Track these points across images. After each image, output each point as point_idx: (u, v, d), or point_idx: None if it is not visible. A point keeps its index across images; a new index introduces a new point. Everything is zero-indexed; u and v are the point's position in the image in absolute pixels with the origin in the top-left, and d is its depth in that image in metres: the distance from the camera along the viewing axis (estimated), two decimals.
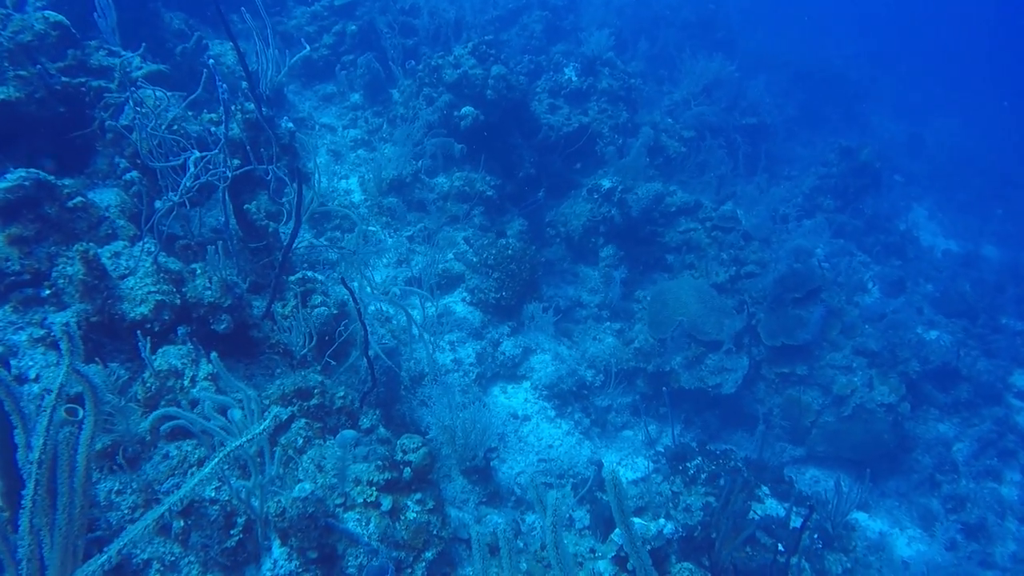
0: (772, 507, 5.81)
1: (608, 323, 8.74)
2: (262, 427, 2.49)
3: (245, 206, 4.92)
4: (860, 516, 7.70)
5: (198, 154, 3.74)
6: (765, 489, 5.95)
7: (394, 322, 6.67)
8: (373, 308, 6.96)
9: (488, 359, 7.17)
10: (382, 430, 4.92)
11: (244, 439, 2.53)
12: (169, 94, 4.71)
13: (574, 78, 10.72)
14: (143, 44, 5.29)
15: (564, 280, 9.15)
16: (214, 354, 3.41)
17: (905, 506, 8.28)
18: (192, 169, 3.62)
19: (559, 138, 9.80)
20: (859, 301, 10.39)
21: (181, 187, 3.69)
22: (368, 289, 5.36)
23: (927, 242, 14.92)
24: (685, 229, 9.73)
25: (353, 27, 9.93)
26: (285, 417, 4.24)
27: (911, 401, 8.56)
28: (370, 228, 7.66)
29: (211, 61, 4.24)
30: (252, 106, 5.06)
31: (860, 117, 19.98)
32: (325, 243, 7.41)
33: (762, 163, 12.80)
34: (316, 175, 5.50)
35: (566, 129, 9.97)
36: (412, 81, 9.15)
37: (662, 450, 7.06)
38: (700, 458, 6.19)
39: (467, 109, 8.61)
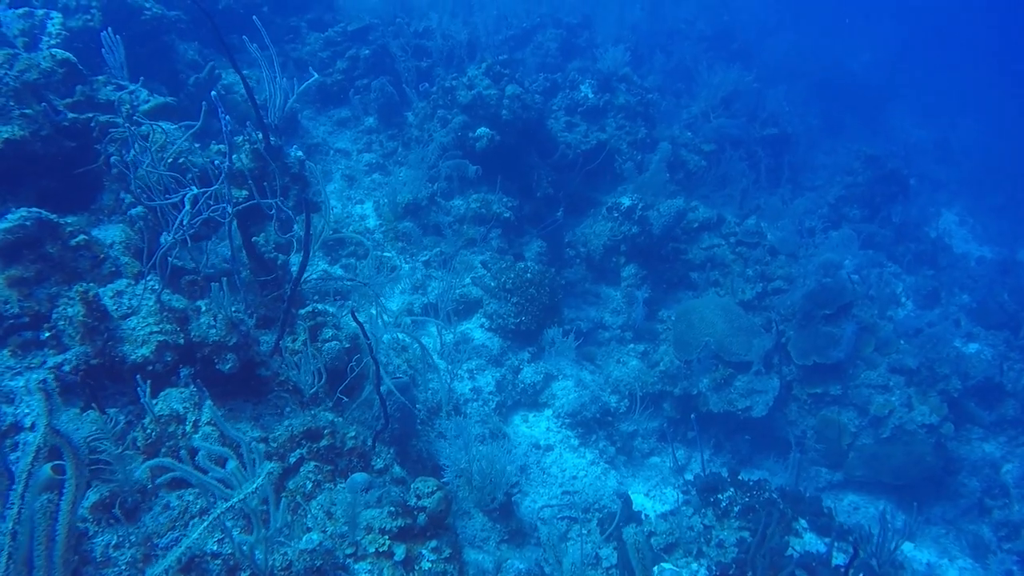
0: (811, 542, 5.48)
1: (632, 345, 8.47)
2: (255, 484, 2.29)
3: (253, 239, 4.77)
4: (906, 546, 7.28)
5: (195, 190, 3.60)
6: (803, 522, 5.62)
7: (411, 351, 6.48)
8: (388, 337, 6.77)
9: (508, 387, 6.94)
10: (397, 469, 4.71)
11: (236, 499, 2.33)
12: (174, 127, 4.60)
13: (590, 95, 10.54)
14: (141, 78, 5.21)
15: (586, 301, 8.91)
16: (208, 403, 3.23)
17: (953, 534, 7.84)
18: (188, 208, 3.47)
19: (576, 156, 9.61)
20: (892, 315, 9.98)
21: (175, 225, 3.54)
22: (381, 321, 5.18)
23: (959, 249, 14.42)
24: (708, 245, 9.46)
25: (366, 51, 9.87)
26: (293, 461, 4.04)
27: (953, 420, 8.15)
28: (385, 254, 7.51)
29: (213, 93, 4.11)
30: (258, 135, 4.94)
31: (883, 123, 19.57)
32: (340, 272, 7.27)
33: (785, 174, 12.49)
34: (326, 203, 5.35)
35: (584, 147, 9.77)
36: (426, 103, 9.03)
37: (691, 479, 6.74)
38: (732, 489, 5.88)
39: (482, 130, 8.46)
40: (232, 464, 2.86)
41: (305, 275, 6.88)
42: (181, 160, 4.49)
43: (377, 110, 9.35)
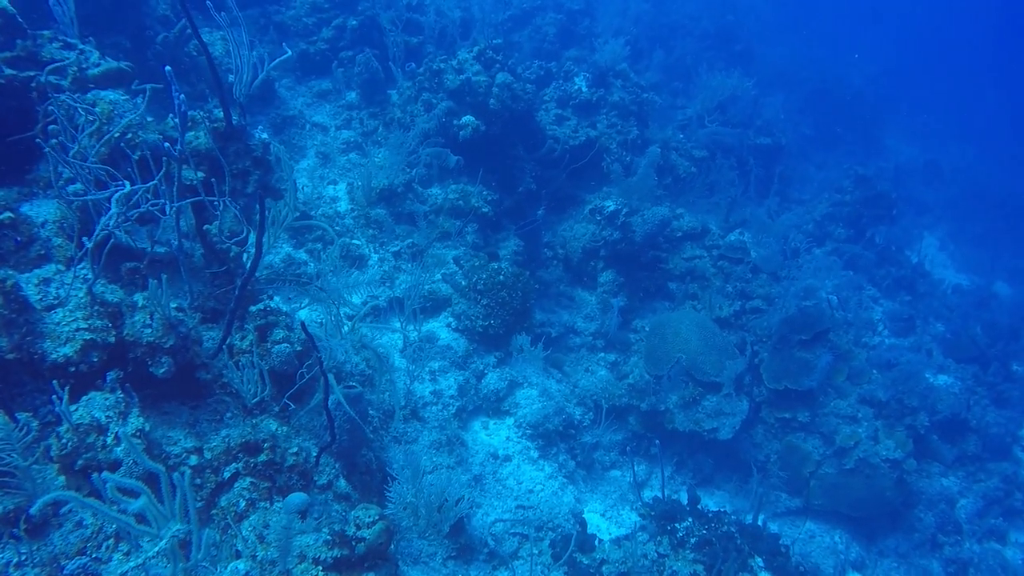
0: None
1: (603, 354, 8.26)
2: (156, 549, 2.01)
3: (206, 226, 4.42)
4: None
5: (128, 187, 3.24)
6: (759, 561, 5.48)
7: (370, 348, 6.19)
8: (348, 328, 6.47)
9: (471, 391, 6.69)
10: (342, 483, 4.45)
11: (144, 558, 2.05)
12: (124, 97, 4.22)
13: (584, 88, 10.20)
14: (91, 38, 4.77)
15: (559, 304, 8.66)
16: (134, 411, 2.92)
17: (904, 568, 7.81)
18: (114, 210, 3.12)
19: (564, 152, 9.28)
20: (868, 342, 9.90)
21: (98, 229, 3.19)
22: (339, 324, 4.88)
23: (937, 275, 14.41)
24: (690, 256, 9.24)
25: (354, 22, 9.40)
26: (228, 476, 3.76)
27: (916, 453, 8.09)
28: (354, 241, 7.17)
29: (168, 69, 3.73)
30: (221, 114, 4.57)
31: (876, 139, 19.46)
32: (304, 256, 6.92)
33: (775, 186, 12.30)
34: (291, 188, 5.01)
35: (572, 142, 9.44)
36: (411, 84, 8.63)
37: (650, 501, 6.59)
38: (691, 519, 5.72)
39: (467, 118, 8.10)
40: (142, 501, 2.56)
41: (266, 260, 6.53)
42: (129, 136, 4.11)
43: (360, 85, 8.92)
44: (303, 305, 6.05)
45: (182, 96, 3.88)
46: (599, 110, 10.16)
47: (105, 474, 2.51)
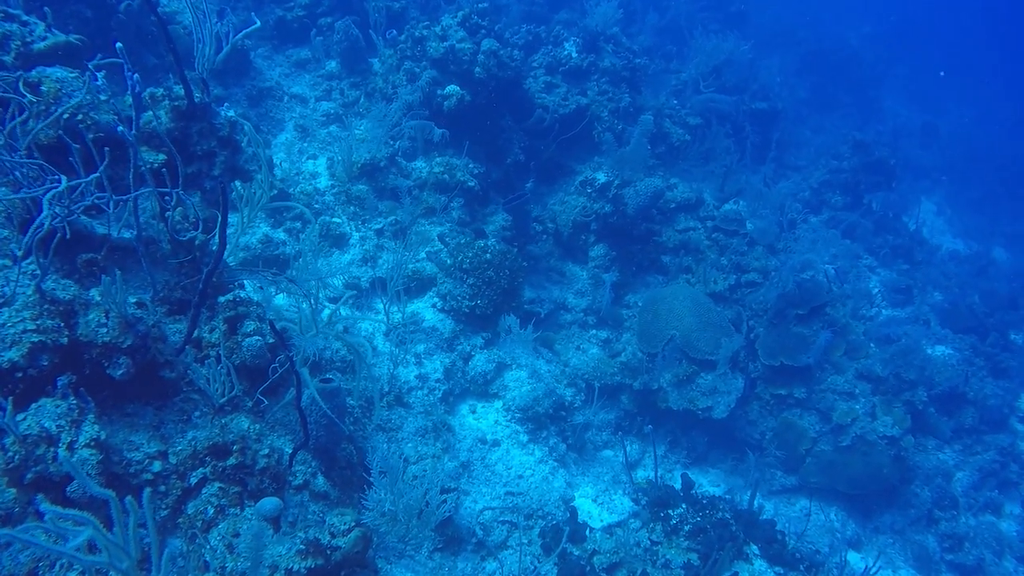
0: (761, 570, 5.22)
1: (594, 331, 8.05)
2: None
3: (167, 213, 4.14)
4: (852, 556, 7.15)
5: (65, 182, 2.95)
6: (755, 548, 5.35)
7: (352, 332, 5.95)
8: (325, 315, 6.23)
9: (457, 374, 6.48)
10: (320, 480, 4.25)
11: None
12: (73, 74, 3.89)
13: (574, 54, 9.80)
14: (47, 9, 4.39)
15: (549, 280, 8.42)
16: (89, 417, 2.68)
17: (900, 544, 7.75)
18: (46, 210, 2.84)
19: (553, 121, 8.93)
20: (865, 313, 9.70)
21: (31, 231, 2.91)
22: (314, 309, 4.62)
23: (934, 241, 14.20)
24: (684, 228, 8.98)
25: None
26: (195, 481, 3.55)
27: (913, 428, 7.97)
28: (335, 219, 6.88)
29: (119, 45, 3.41)
30: (181, 91, 4.24)
31: (874, 101, 19.04)
32: (283, 236, 6.64)
33: (771, 152, 12.00)
34: (266, 169, 4.70)
35: (562, 111, 9.08)
36: (393, 52, 8.23)
37: (644, 484, 6.45)
38: (684, 506, 5.57)
39: (452, 88, 7.74)
40: (87, 534, 2.34)
41: (242, 241, 6.23)
42: (80, 117, 3.79)
43: (340, 54, 8.52)
44: (280, 289, 5.78)
45: (136, 76, 3.58)
46: (590, 76, 9.78)
47: (44, 506, 2.29)
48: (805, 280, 8.09)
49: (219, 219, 3.48)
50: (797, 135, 15.35)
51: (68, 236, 3.31)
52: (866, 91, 18.73)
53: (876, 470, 7.53)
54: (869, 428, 7.59)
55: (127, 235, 4.12)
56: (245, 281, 4.89)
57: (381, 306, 6.45)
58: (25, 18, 4.12)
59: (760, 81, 13.42)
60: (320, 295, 6.16)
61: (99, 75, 4.10)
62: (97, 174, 3.05)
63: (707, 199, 9.44)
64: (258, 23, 4.80)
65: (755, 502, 5.86)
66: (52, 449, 3.07)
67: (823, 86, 17.92)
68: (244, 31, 4.69)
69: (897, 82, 21.35)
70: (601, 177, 8.23)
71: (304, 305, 4.46)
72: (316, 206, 6.90)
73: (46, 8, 4.95)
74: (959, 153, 18.32)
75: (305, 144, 7.75)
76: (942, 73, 22.59)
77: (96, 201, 3.15)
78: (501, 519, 5.76)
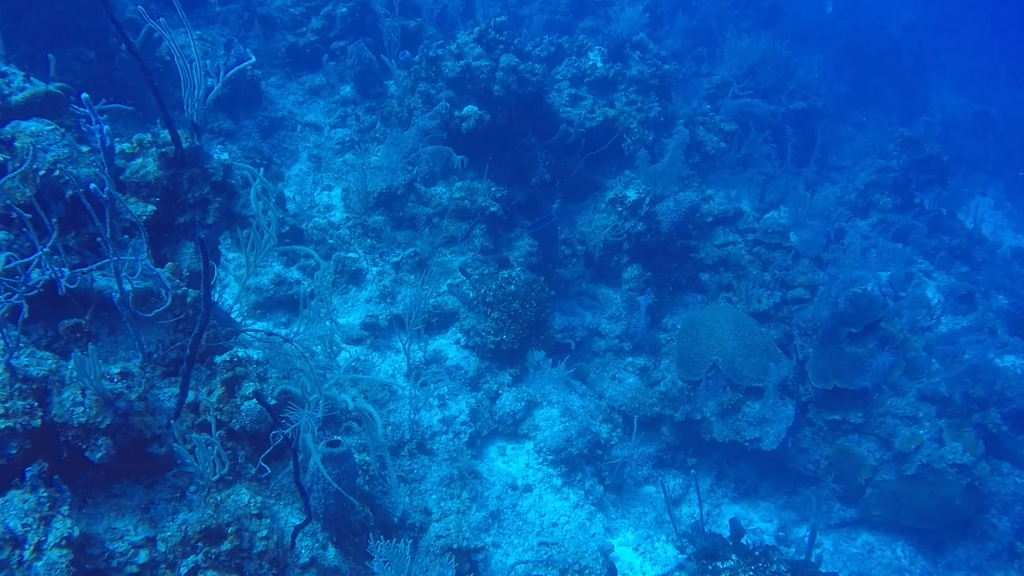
0: None
1: (631, 358, 7.56)
2: None
3: (156, 270, 3.84)
4: None
5: (5, 256, 2.65)
6: None
7: (365, 379, 5.60)
8: (343, 358, 5.90)
9: (484, 415, 6.08)
10: (331, 553, 3.90)
11: None
12: (49, 127, 3.62)
13: (599, 64, 9.36)
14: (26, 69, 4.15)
15: (581, 304, 7.96)
16: (63, 510, 2.36)
17: None
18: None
19: (579, 136, 8.49)
20: (923, 324, 8.99)
21: None
22: (330, 356, 4.29)
23: (993, 237, 13.26)
24: (723, 243, 8.43)
25: (344, 8, 8.69)
26: (185, 572, 3.22)
27: (986, 452, 7.27)
28: (350, 255, 6.56)
29: (84, 95, 3.12)
30: (168, 136, 3.95)
31: (918, 93, 18.08)
32: (297, 275, 6.35)
33: (813, 155, 11.36)
34: (274, 211, 4.39)
35: (589, 124, 8.63)
36: (407, 74, 7.91)
37: (689, 530, 5.94)
38: (734, 557, 5.06)
39: (470, 109, 7.38)
40: None
41: (253, 282, 5.95)
42: (56, 173, 3.52)
43: (354, 78, 8.24)
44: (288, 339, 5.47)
45: (106, 128, 3.28)
46: (616, 86, 9.32)
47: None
48: (857, 295, 7.47)
49: (201, 281, 3.16)
50: (838, 132, 14.60)
51: (72, 286, 3.03)
52: (910, 81, 17.80)
53: (946, 502, 6.87)
54: (936, 456, 6.93)
55: (128, 288, 3.82)
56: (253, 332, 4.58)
57: (400, 345, 6.10)
58: (3, 68, 3.88)
59: (798, 79, 12.78)
60: (336, 337, 5.83)
61: (105, 126, 3.79)
62: (44, 250, 2.74)
63: (746, 210, 8.88)
64: (252, 58, 4.50)
65: (813, 551, 5.30)
66: (17, 552, 2.77)
67: (865, 79, 17.08)
68: (232, 69, 4.37)
69: (943, 70, 20.29)
70: (632, 194, 7.76)
71: (309, 366, 4.11)
72: (331, 241, 6.59)
73: (50, 55, 4.75)
74: (1017, 142, 17.25)
75: (320, 175, 7.48)
76: None
77: (54, 272, 2.84)
78: (534, 573, 5.33)
